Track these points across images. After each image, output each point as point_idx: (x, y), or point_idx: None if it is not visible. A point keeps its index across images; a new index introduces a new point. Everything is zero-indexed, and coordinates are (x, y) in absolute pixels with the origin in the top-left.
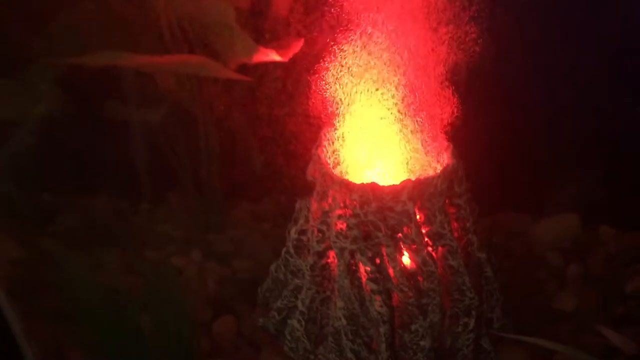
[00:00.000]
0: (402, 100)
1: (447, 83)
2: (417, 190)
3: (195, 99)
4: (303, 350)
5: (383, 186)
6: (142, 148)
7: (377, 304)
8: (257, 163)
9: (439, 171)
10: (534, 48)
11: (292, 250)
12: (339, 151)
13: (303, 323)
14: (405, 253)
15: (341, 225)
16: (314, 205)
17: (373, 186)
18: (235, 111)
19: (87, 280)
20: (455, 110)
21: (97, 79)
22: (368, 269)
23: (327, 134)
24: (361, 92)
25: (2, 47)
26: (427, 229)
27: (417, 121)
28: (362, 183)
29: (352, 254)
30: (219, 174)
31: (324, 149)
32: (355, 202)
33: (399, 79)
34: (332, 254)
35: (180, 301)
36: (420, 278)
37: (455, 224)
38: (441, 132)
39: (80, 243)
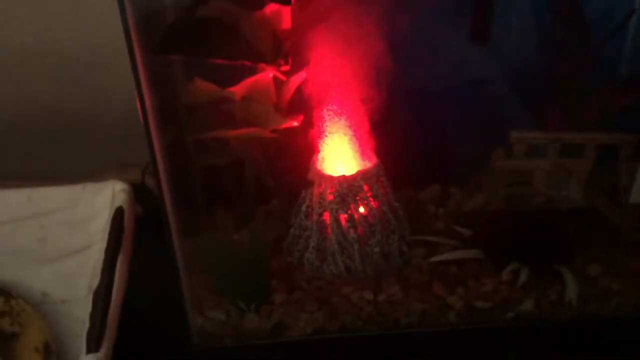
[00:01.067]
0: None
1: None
2: (363, 175)
3: None
4: (315, 268)
5: (348, 175)
6: None
7: (351, 234)
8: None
9: (370, 166)
10: None
11: (303, 217)
12: (324, 160)
13: (314, 253)
14: (361, 207)
15: (330, 197)
16: (315, 190)
17: (344, 177)
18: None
19: None
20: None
21: None
22: (345, 216)
23: (317, 153)
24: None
25: None
26: (369, 193)
27: (357, 140)
28: (339, 175)
29: (337, 211)
30: None
31: (317, 161)
32: (336, 185)
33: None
34: (326, 214)
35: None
36: (369, 218)
37: (382, 190)
38: (370, 145)
39: None
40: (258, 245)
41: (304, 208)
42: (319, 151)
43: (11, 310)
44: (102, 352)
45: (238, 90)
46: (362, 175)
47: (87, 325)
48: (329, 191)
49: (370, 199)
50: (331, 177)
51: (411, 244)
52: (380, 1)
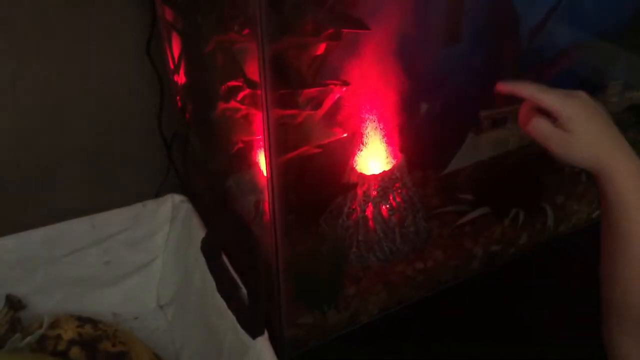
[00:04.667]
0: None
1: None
2: (398, 168)
3: None
4: (364, 259)
5: (387, 170)
6: None
7: (392, 220)
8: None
9: (401, 158)
10: None
11: (345, 218)
12: (359, 164)
13: (362, 246)
14: (397, 195)
15: (374, 193)
16: (359, 190)
17: (384, 172)
18: None
19: None
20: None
21: None
22: (387, 206)
23: (354, 157)
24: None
25: None
26: (402, 182)
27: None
28: (380, 172)
29: (378, 203)
30: None
31: (355, 164)
32: (379, 181)
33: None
34: (369, 209)
35: None
36: (402, 203)
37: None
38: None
39: None
40: (337, 250)
41: (346, 210)
42: (355, 155)
43: (105, 333)
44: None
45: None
46: (397, 168)
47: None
48: (373, 188)
49: (403, 187)
50: (374, 176)
51: (427, 218)
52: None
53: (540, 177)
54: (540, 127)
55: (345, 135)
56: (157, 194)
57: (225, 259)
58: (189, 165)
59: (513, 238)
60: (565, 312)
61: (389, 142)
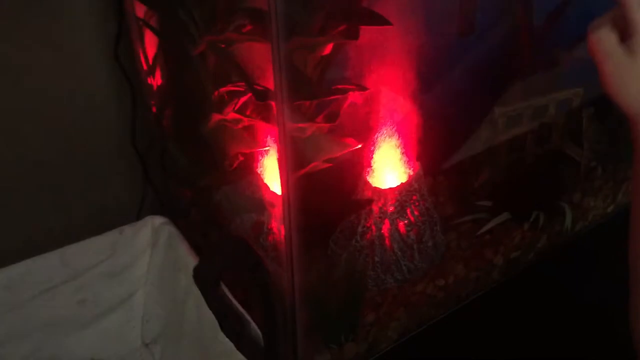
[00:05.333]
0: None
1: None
2: (416, 179)
3: None
4: (381, 281)
5: (404, 183)
6: None
7: (410, 236)
8: None
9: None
10: None
11: (359, 238)
12: (375, 177)
13: (379, 267)
14: (414, 209)
15: (391, 209)
16: (374, 207)
17: (402, 184)
18: None
19: None
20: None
21: None
22: (405, 221)
23: (366, 172)
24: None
25: None
26: (414, 197)
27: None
28: (397, 185)
29: (396, 218)
30: None
31: (369, 179)
32: (396, 195)
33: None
34: (385, 227)
35: None
36: (420, 217)
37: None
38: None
39: None
40: (353, 274)
41: (360, 229)
42: (368, 169)
43: None
44: None
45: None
46: (415, 178)
47: None
48: (390, 203)
49: (422, 199)
50: (391, 189)
51: (444, 230)
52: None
53: (557, 175)
54: (605, 39)
55: (359, 146)
56: (136, 215)
57: (224, 288)
58: (169, 181)
59: (533, 242)
60: (588, 313)
61: (405, 150)
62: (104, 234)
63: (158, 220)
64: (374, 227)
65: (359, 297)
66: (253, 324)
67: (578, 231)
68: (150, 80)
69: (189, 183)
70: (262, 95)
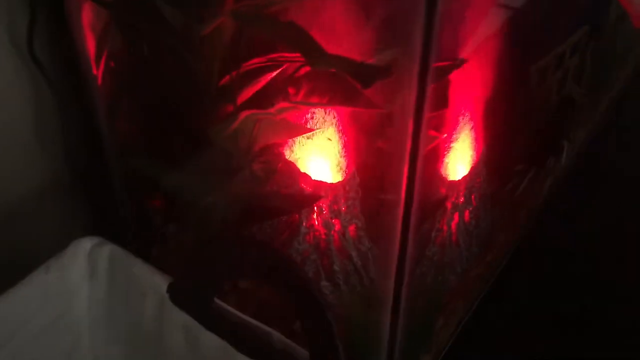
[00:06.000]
0: None
1: None
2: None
3: None
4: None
5: (469, 171)
6: None
7: (472, 222)
8: None
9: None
10: None
11: (434, 242)
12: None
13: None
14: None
15: (462, 200)
16: (448, 204)
17: (468, 174)
18: None
19: None
20: None
21: None
22: (470, 209)
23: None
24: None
25: None
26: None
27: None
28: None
29: (464, 209)
30: None
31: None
32: (464, 186)
33: None
34: (454, 221)
35: None
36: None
37: None
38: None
39: None
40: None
41: (434, 234)
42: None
43: None
44: None
45: None
46: (482, 165)
47: None
48: (461, 194)
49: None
50: (463, 179)
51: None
52: None
53: (563, 116)
54: None
55: (445, 135)
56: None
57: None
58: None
59: (544, 186)
60: None
61: (476, 135)
62: (27, 277)
63: (89, 242)
64: (445, 227)
65: (439, 303)
66: (275, 334)
67: (571, 164)
68: (98, 81)
69: (167, 196)
70: (384, 71)
